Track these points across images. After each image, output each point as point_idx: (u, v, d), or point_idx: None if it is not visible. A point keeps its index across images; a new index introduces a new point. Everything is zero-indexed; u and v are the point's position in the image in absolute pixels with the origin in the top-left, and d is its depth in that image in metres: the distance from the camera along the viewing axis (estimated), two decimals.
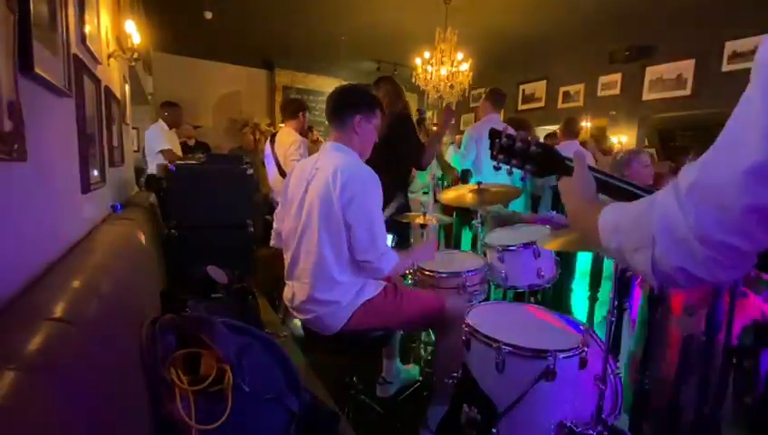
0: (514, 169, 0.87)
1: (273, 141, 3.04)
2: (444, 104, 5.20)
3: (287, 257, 1.57)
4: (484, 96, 3.15)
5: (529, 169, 0.84)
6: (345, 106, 1.52)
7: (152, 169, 3.62)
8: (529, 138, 0.84)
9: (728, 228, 0.41)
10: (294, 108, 3.09)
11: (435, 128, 3.27)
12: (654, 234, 0.47)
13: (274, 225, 1.72)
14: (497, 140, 0.86)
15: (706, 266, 0.44)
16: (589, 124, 5.53)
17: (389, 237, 1.95)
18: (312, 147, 3.55)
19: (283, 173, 2.91)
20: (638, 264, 0.50)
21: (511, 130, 0.87)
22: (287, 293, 1.58)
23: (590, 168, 0.77)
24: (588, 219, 0.65)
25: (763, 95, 0.38)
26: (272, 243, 1.75)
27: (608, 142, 5.11)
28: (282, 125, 3.21)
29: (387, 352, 1.96)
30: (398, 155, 2.34)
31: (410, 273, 1.96)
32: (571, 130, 3.43)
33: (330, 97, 1.57)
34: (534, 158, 0.83)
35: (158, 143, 3.61)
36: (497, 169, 0.90)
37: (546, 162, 0.83)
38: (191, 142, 5.23)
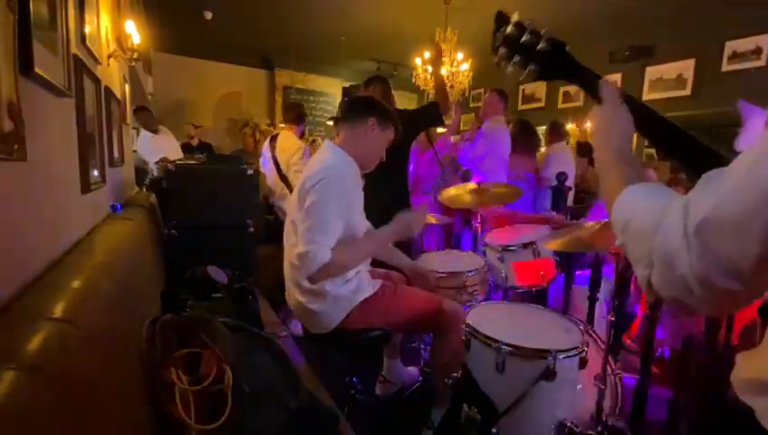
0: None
1: (273, 144, 3.02)
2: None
3: (285, 257, 1.58)
4: (489, 95, 3.15)
5: (533, 69, 0.70)
6: (363, 107, 1.54)
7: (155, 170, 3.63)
8: (541, 32, 0.69)
9: (733, 275, 0.38)
10: (298, 113, 3.11)
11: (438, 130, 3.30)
12: (651, 259, 0.44)
13: None
14: (501, 27, 0.70)
15: (701, 304, 0.42)
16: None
17: None
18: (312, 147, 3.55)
19: (284, 177, 2.91)
20: (637, 273, 0.47)
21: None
22: (286, 291, 1.59)
23: (631, 98, 0.63)
24: (610, 182, 0.56)
25: None
26: None
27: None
28: (282, 125, 3.22)
29: (388, 351, 1.96)
30: (399, 155, 2.34)
31: None
32: (557, 133, 3.57)
33: (347, 98, 1.61)
34: (542, 56, 0.68)
35: (148, 155, 3.61)
36: (497, 64, 0.74)
37: (554, 64, 0.68)
38: (194, 142, 5.23)
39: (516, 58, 0.70)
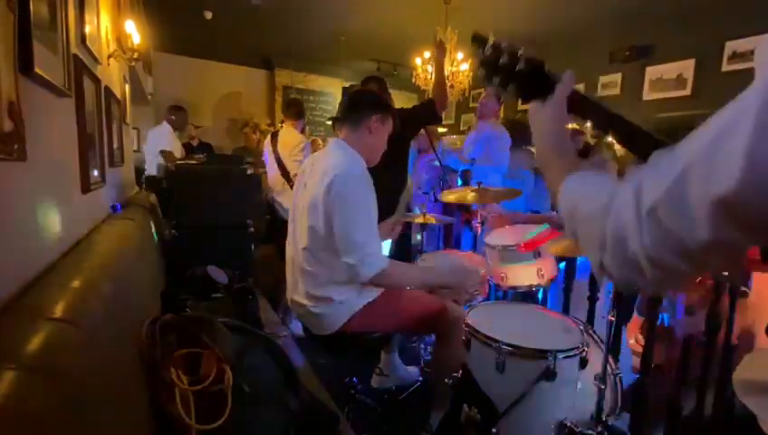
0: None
1: (274, 140, 3.03)
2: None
3: (288, 255, 1.58)
4: (486, 96, 3.18)
5: (512, 89, 0.70)
6: (364, 104, 1.53)
7: (151, 169, 3.62)
8: (519, 53, 0.68)
9: (683, 256, 0.38)
10: (298, 109, 3.13)
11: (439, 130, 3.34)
12: (604, 240, 0.44)
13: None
14: (480, 50, 0.71)
15: (651, 283, 0.43)
16: (590, 124, 5.51)
17: (387, 243, 1.94)
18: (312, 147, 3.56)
19: (285, 173, 2.91)
20: (589, 257, 0.48)
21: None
22: (287, 290, 1.59)
23: (579, 93, 0.65)
24: (552, 177, 0.57)
25: (760, 109, 0.32)
26: None
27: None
28: (281, 124, 3.23)
29: (385, 345, 1.96)
30: (398, 154, 2.35)
31: None
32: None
33: (347, 96, 1.59)
34: (520, 76, 0.69)
35: (159, 143, 3.62)
36: (483, 84, 0.77)
37: (533, 83, 0.69)
38: (194, 143, 5.23)
39: (496, 80, 0.70)
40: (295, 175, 2.84)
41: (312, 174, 1.46)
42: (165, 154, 3.49)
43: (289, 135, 2.99)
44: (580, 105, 0.65)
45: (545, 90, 0.67)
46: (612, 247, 0.43)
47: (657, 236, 0.39)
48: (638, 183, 0.42)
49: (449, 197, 2.19)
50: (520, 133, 3.27)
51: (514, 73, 0.68)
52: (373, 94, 1.61)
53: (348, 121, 1.53)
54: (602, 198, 0.46)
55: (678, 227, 0.38)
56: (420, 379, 2.04)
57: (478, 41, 0.71)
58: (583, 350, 1.14)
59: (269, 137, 3.18)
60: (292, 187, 2.78)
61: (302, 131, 3.19)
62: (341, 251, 1.36)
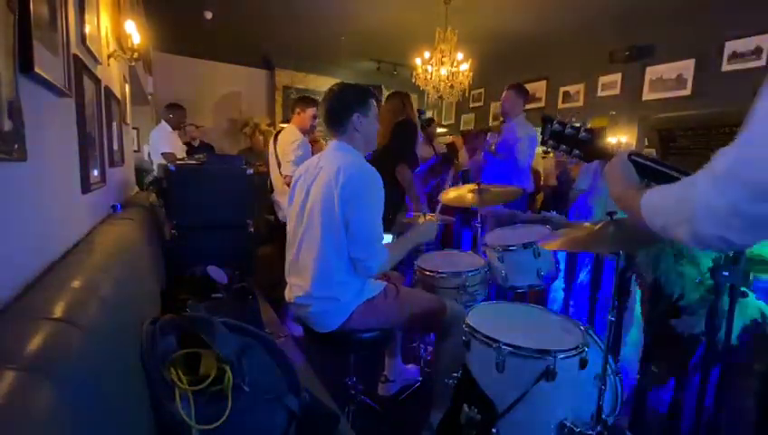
0: None
1: (275, 141, 3.02)
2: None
3: (289, 255, 1.57)
4: (507, 92, 3.06)
5: (577, 154, 0.91)
6: (340, 109, 1.51)
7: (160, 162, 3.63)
8: (579, 124, 0.90)
9: (761, 199, 0.47)
10: (293, 103, 3.07)
11: (438, 129, 3.36)
12: (694, 210, 0.55)
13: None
14: (548, 126, 0.93)
15: (744, 233, 0.51)
16: (588, 124, 5.51)
17: (389, 237, 1.95)
18: (314, 147, 3.51)
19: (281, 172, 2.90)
20: (681, 235, 0.58)
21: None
22: (287, 290, 1.58)
23: (636, 153, 0.82)
24: (631, 202, 0.73)
25: None
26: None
27: None
28: (283, 125, 3.22)
29: (389, 350, 1.96)
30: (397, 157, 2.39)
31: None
32: None
33: (323, 103, 1.55)
34: (584, 143, 0.90)
35: (161, 145, 3.62)
36: (547, 153, 0.96)
37: (594, 148, 0.89)
38: (195, 143, 5.23)
39: (563, 146, 0.93)
40: (290, 176, 2.83)
41: (317, 177, 1.46)
42: (166, 156, 3.49)
43: (286, 134, 2.96)
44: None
45: (603, 152, 0.88)
46: (701, 213, 0.54)
47: (735, 191, 0.50)
48: (709, 165, 0.54)
49: (449, 196, 2.19)
50: None
51: (578, 141, 0.91)
52: (343, 94, 1.52)
53: (332, 129, 1.53)
54: (684, 188, 0.59)
55: (754, 174, 0.47)
56: (420, 379, 2.04)
57: (546, 120, 0.95)
58: (583, 350, 1.14)
59: (273, 137, 3.15)
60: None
61: (308, 123, 3.06)
62: (354, 247, 1.40)
